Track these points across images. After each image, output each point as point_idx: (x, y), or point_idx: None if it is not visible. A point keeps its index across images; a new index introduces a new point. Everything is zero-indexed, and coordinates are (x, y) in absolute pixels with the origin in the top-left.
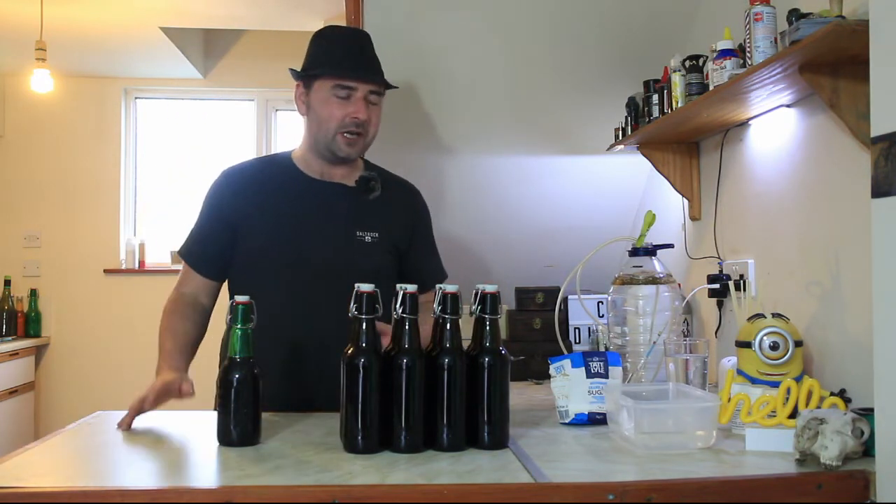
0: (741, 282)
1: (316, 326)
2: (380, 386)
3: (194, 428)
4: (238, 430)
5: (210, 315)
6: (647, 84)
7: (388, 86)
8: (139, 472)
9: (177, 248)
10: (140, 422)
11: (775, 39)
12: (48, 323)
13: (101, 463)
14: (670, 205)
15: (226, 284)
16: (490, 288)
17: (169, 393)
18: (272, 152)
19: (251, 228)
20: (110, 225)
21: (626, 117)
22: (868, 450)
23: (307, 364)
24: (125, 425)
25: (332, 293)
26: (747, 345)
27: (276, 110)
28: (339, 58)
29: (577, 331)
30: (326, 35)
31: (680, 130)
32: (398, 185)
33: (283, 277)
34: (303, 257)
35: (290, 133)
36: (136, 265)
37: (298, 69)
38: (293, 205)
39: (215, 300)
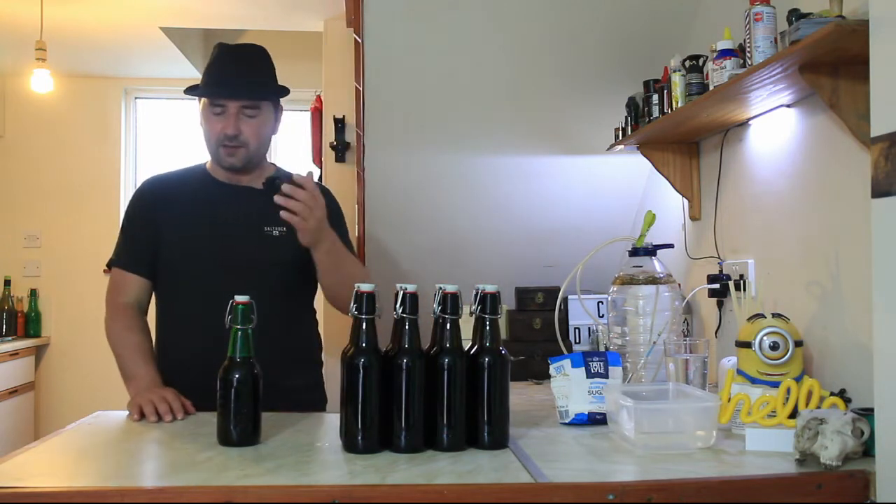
0: (741, 282)
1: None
2: (380, 386)
3: (194, 428)
4: (238, 430)
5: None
6: (647, 84)
7: (261, 98)
8: (139, 472)
9: None
10: (140, 422)
11: (775, 39)
12: (48, 323)
13: (101, 463)
14: (670, 205)
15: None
16: (490, 288)
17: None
18: (272, 154)
19: (172, 234)
20: (110, 225)
21: (626, 117)
22: (868, 450)
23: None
24: (155, 419)
25: (248, 287)
26: (747, 345)
27: None
28: (212, 77)
29: (577, 331)
30: (212, 53)
31: (680, 130)
32: None
33: (202, 278)
34: (219, 257)
35: (289, 133)
36: None
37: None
38: (207, 209)
39: (149, 304)
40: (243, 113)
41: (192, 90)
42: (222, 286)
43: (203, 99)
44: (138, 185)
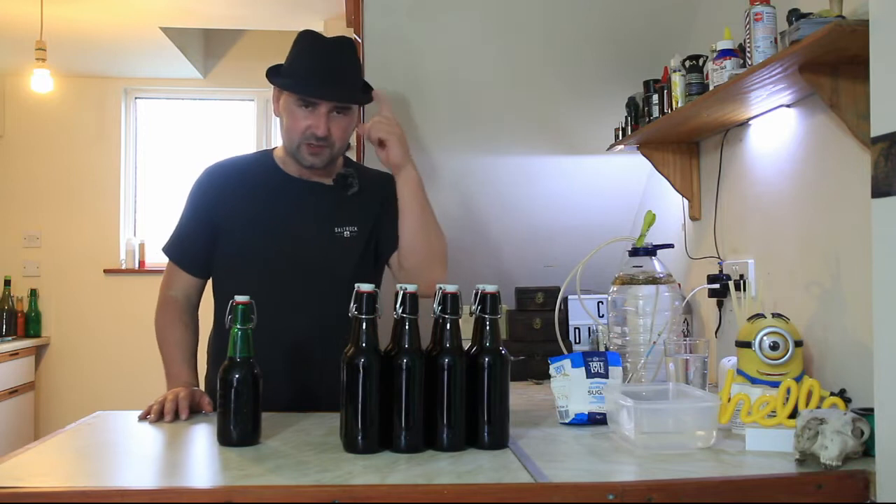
0: (741, 282)
1: (299, 324)
2: (380, 386)
3: (194, 428)
4: (238, 430)
5: (198, 313)
6: (647, 84)
7: (357, 100)
8: (139, 472)
9: None
10: (140, 422)
11: (775, 39)
12: (48, 323)
13: (101, 463)
14: (670, 205)
15: (209, 286)
16: (490, 288)
17: (192, 404)
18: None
19: (233, 227)
20: (110, 225)
21: (626, 117)
22: (868, 450)
23: (293, 362)
24: (154, 418)
25: (313, 290)
26: (747, 345)
27: None
28: (305, 73)
29: (577, 331)
30: (301, 43)
31: (680, 130)
32: (376, 178)
33: (264, 277)
34: (283, 256)
35: None
36: (136, 265)
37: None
38: (274, 204)
39: (201, 297)
40: (334, 112)
41: (274, 76)
42: (285, 290)
43: (286, 90)
44: (138, 185)
